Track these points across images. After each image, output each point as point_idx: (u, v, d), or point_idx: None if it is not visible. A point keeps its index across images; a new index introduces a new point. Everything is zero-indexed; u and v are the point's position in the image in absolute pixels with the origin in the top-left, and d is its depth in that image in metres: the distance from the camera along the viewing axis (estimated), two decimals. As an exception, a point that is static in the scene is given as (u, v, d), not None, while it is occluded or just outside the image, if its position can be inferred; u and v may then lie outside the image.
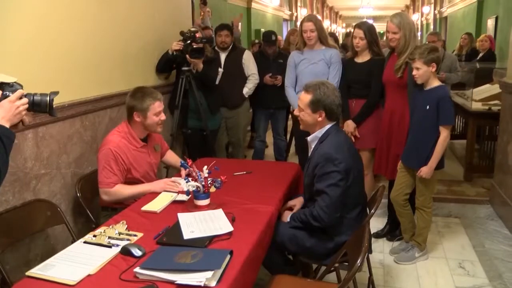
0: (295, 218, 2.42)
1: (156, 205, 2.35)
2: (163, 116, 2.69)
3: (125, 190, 2.59)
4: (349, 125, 3.56)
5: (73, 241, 2.06)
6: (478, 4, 9.66)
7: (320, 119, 2.38)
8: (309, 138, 2.50)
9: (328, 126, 2.42)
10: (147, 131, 2.73)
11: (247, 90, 4.53)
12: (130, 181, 2.65)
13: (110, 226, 2.05)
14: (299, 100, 2.45)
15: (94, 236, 1.96)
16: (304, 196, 2.58)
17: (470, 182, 4.87)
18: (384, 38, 3.57)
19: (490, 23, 8.65)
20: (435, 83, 2.96)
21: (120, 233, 1.99)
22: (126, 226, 2.07)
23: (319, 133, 2.43)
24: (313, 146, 2.47)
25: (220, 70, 4.25)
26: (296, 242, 2.40)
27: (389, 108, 3.36)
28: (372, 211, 2.36)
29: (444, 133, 2.92)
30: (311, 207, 2.32)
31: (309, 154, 2.50)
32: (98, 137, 2.98)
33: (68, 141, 2.72)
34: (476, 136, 4.97)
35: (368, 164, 3.51)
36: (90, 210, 2.63)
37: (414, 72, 2.94)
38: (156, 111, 2.64)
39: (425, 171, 2.98)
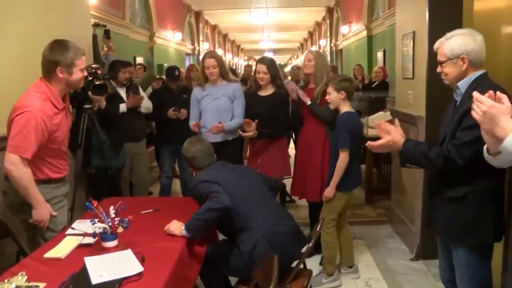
0: None
1: (60, 250, 2.21)
2: (85, 72, 2.60)
3: (30, 180, 2.36)
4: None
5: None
6: (368, 39, 10.48)
7: None
8: None
9: None
10: (69, 88, 2.57)
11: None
12: (52, 149, 2.49)
13: (6, 280, 1.86)
14: None
15: (-13, 294, 1.79)
16: None
17: (372, 205, 5.14)
18: (285, 69, 3.78)
19: (380, 55, 9.40)
20: (343, 110, 3.21)
21: (18, 287, 1.82)
22: (26, 277, 1.90)
23: None
24: None
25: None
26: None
27: (307, 135, 3.62)
28: None
29: (341, 156, 3.13)
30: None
31: None
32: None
33: None
34: (374, 160, 5.31)
35: None
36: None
37: (327, 97, 3.22)
38: (81, 66, 2.51)
39: (327, 190, 3.18)
